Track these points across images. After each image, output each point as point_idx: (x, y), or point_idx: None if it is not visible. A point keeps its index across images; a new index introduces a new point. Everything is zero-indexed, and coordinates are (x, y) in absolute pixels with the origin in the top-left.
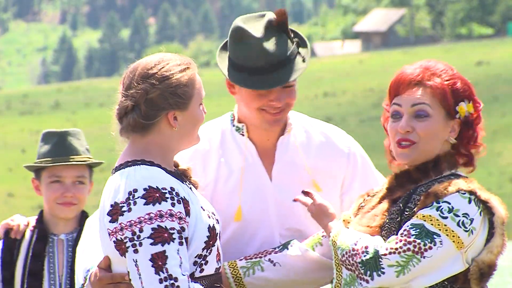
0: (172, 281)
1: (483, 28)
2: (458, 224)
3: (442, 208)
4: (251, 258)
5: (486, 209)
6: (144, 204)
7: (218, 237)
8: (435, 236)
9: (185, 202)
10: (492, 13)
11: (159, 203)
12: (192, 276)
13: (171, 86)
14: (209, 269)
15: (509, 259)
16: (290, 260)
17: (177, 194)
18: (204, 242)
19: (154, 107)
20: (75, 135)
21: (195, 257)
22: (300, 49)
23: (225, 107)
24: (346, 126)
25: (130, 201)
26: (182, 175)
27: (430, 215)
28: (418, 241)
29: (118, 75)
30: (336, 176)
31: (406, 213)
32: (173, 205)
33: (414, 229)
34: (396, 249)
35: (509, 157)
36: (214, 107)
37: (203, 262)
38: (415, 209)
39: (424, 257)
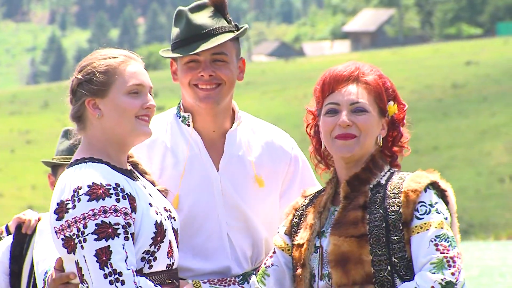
0: (116, 276)
1: (472, 28)
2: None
3: (439, 210)
4: (215, 284)
5: (442, 197)
6: (88, 201)
7: (167, 233)
8: (454, 239)
9: (131, 198)
10: (481, 13)
11: (103, 199)
12: (140, 272)
13: (87, 73)
14: (159, 266)
15: (498, 259)
16: None
17: (122, 190)
18: (151, 238)
19: (76, 96)
20: None
21: (143, 253)
22: (237, 32)
23: None
24: None
25: (75, 198)
26: (134, 172)
27: (442, 221)
28: (457, 250)
29: None
30: (279, 174)
31: (392, 216)
32: (117, 200)
33: (444, 240)
34: (456, 268)
35: (498, 157)
36: None
37: (151, 258)
38: (400, 211)
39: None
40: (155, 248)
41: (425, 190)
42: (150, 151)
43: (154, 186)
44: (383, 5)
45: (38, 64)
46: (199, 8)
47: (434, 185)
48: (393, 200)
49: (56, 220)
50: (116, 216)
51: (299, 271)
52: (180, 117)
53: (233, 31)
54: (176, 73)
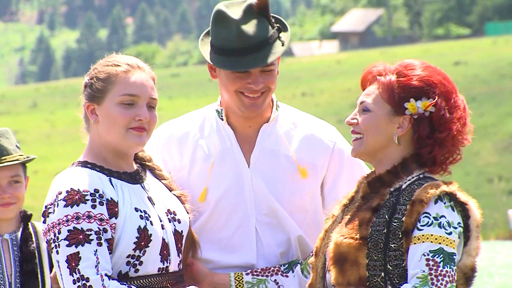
0: (84, 282)
1: (461, 29)
2: (458, 236)
3: (442, 224)
4: (257, 275)
5: (463, 211)
6: (64, 206)
7: (153, 238)
8: (453, 256)
9: (111, 204)
10: (470, 14)
11: (77, 205)
12: (126, 276)
13: (90, 78)
14: (147, 269)
15: (486, 259)
16: (294, 286)
17: (101, 196)
18: (134, 243)
19: (83, 101)
20: (4, 135)
21: (127, 257)
22: (281, 34)
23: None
24: None
25: (55, 202)
26: (139, 174)
27: (442, 236)
28: (447, 269)
29: None
30: (318, 167)
31: (394, 223)
32: (93, 207)
33: (437, 256)
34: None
35: (486, 157)
36: (192, 106)
37: (136, 262)
38: (403, 219)
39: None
40: (140, 252)
41: (435, 202)
42: (180, 145)
43: (171, 190)
44: (371, 5)
45: (27, 64)
46: (247, 14)
47: (451, 197)
48: (401, 207)
49: (43, 223)
50: (89, 222)
51: (312, 259)
52: (216, 111)
53: (278, 37)
54: (214, 69)
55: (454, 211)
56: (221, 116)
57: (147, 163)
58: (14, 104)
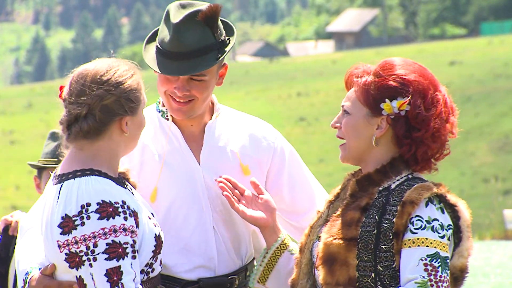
0: None
1: (456, 28)
2: (448, 238)
3: (435, 227)
4: None
5: (453, 212)
6: (98, 219)
7: (163, 245)
8: (447, 260)
9: (135, 215)
10: (465, 13)
11: (113, 218)
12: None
13: (125, 91)
14: (154, 274)
15: (482, 259)
16: None
17: (128, 208)
18: (152, 252)
19: (110, 112)
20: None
21: (144, 266)
22: (227, 46)
23: None
24: (320, 126)
25: (83, 215)
26: (123, 179)
27: (436, 240)
28: (445, 274)
29: None
30: (262, 164)
31: (385, 224)
32: (125, 219)
33: (434, 260)
34: None
35: (481, 157)
36: None
37: (150, 270)
38: (394, 220)
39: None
40: (153, 260)
41: (426, 204)
42: None
43: (135, 188)
44: (367, 5)
45: (22, 64)
46: (187, 19)
47: (441, 199)
48: (392, 207)
49: (61, 234)
50: (125, 235)
51: (297, 255)
52: (159, 112)
53: (218, 49)
54: None
55: (444, 213)
56: (166, 116)
57: None
58: (10, 104)
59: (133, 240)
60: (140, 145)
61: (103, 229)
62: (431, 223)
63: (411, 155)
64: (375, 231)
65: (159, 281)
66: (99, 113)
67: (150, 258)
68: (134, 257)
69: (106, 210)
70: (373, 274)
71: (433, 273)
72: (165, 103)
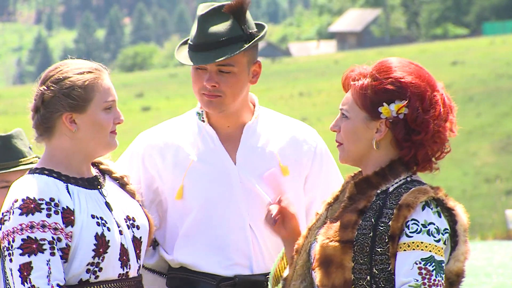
0: None
1: (458, 29)
2: (444, 242)
3: (431, 231)
4: None
5: (450, 216)
6: (19, 215)
7: (111, 244)
8: (442, 264)
9: (67, 212)
10: (467, 13)
11: (32, 214)
12: (87, 283)
13: (64, 88)
14: (107, 275)
15: (484, 259)
16: None
17: (56, 205)
18: (93, 250)
19: (49, 108)
20: (18, 136)
21: (87, 264)
22: (254, 39)
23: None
24: (322, 126)
25: (10, 210)
26: (98, 180)
27: (431, 244)
28: (439, 278)
29: None
30: (301, 167)
31: (381, 227)
32: (48, 216)
33: (429, 264)
34: None
35: (484, 157)
36: (190, 106)
37: (96, 269)
38: (390, 223)
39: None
40: (99, 259)
41: (423, 208)
42: (162, 150)
43: (133, 196)
44: (369, 5)
45: (24, 64)
46: (214, 13)
47: (438, 202)
48: (388, 210)
49: (0, 230)
50: (43, 231)
51: (293, 255)
52: (197, 114)
53: (245, 41)
54: None
55: (441, 217)
56: (202, 118)
57: (101, 166)
58: (12, 104)
59: (56, 238)
60: (175, 147)
61: (21, 224)
62: (427, 227)
63: (411, 157)
64: (371, 234)
65: (137, 285)
66: (42, 109)
67: (93, 257)
68: (53, 254)
69: (28, 206)
70: (368, 277)
71: (427, 276)
72: (199, 102)
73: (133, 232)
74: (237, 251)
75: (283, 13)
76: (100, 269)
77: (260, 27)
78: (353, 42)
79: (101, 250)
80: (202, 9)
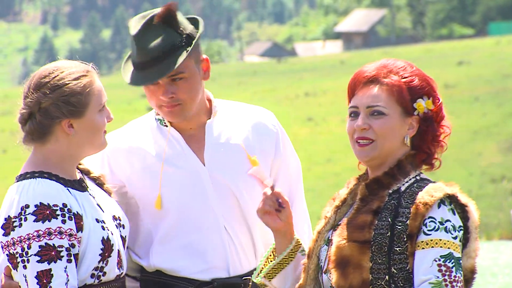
0: None
1: (464, 29)
2: (460, 239)
3: (448, 228)
4: None
5: (462, 213)
6: (34, 221)
7: (114, 248)
8: (460, 261)
9: (77, 218)
10: (473, 13)
11: (49, 221)
12: (90, 286)
13: (63, 95)
14: (108, 277)
15: (490, 259)
16: None
17: (69, 211)
18: (99, 255)
19: (48, 116)
20: None
21: (92, 269)
22: (193, 40)
23: None
24: (327, 126)
25: (22, 216)
26: (84, 181)
27: (449, 241)
28: (459, 275)
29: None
30: (266, 152)
31: (398, 227)
32: (63, 222)
33: (448, 261)
34: None
35: (489, 157)
36: None
37: (100, 273)
38: (407, 222)
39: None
40: (103, 263)
41: (438, 206)
42: (128, 154)
43: (110, 195)
44: (375, 6)
45: (30, 64)
46: (145, 27)
47: (452, 199)
48: (404, 210)
49: (3, 235)
50: (60, 238)
51: (304, 261)
52: (157, 120)
53: (185, 44)
54: None
55: (455, 214)
56: (164, 123)
57: (83, 168)
58: (18, 104)
59: (71, 244)
60: (141, 151)
61: (37, 231)
62: (444, 224)
63: (430, 153)
64: (389, 234)
65: (123, 285)
66: (39, 116)
67: (99, 262)
68: (69, 261)
69: (43, 212)
70: (387, 277)
71: (447, 273)
72: (161, 114)
73: (120, 231)
74: (213, 254)
75: (289, 13)
76: (104, 273)
77: (194, 22)
78: (359, 42)
79: (106, 254)
80: (135, 26)
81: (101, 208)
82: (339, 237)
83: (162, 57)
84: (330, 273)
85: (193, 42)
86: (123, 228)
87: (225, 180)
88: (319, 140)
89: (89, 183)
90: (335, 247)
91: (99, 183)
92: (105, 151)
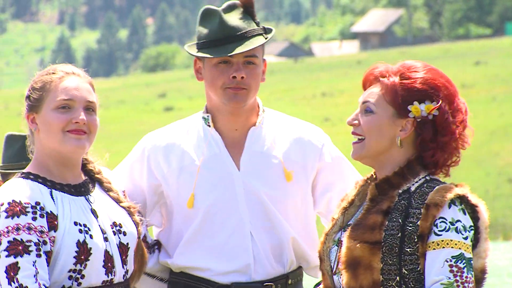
0: None
1: (481, 28)
2: (471, 240)
3: (459, 228)
4: None
5: (472, 213)
6: (5, 218)
7: (93, 252)
8: (471, 261)
9: (51, 217)
10: (490, 13)
11: (18, 217)
12: None
13: (28, 89)
14: (90, 281)
15: (506, 259)
16: None
17: (42, 209)
18: (74, 257)
19: (23, 113)
20: None
21: (69, 271)
22: (265, 34)
23: None
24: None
25: None
26: (84, 187)
27: (460, 242)
28: (470, 275)
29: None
30: (307, 169)
31: (409, 227)
32: (34, 219)
33: (459, 261)
34: None
35: (507, 157)
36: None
37: (78, 276)
38: (418, 223)
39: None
40: (81, 266)
41: (449, 206)
42: (167, 153)
43: (119, 203)
44: (391, 5)
45: (47, 65)
46: (230, 8)
47: (462, 200)
48: (415, 210)
49: None
50: (28, 233)
51: (319, 264)
52: (203, 119)
53: (262, 34)
54: (200, 72)
55: (465, 214)
56: (208, 122)
57: (96, 176)
58: None
59: (41, 240)
60: (180, 151)
61: (7, 227)
62: (454, 224)
63: (433, 159)
64: (399, 234)
65: None
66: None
67: (75, 264)
68: (39, 255)
69: (13, 209)
70: (397, 278)
71: (459, 274)
72: (221, 97)
73: (119, 238)
74: (236, 258)
75: (305, 13)
76: (83, 276)
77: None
78: (375, 42)
79: (82, 257)
80: (214, 8)
81: (94, 214)
82: (349, 238)
83: (245, 35)
84: (341, 274)
85: (268, 35)
86: (124, 235)
87: (257, 188)
88: (336, 140)
89: (97, 189)
90: (346, 248)
91: (105, 188)
92: (145, 148)
